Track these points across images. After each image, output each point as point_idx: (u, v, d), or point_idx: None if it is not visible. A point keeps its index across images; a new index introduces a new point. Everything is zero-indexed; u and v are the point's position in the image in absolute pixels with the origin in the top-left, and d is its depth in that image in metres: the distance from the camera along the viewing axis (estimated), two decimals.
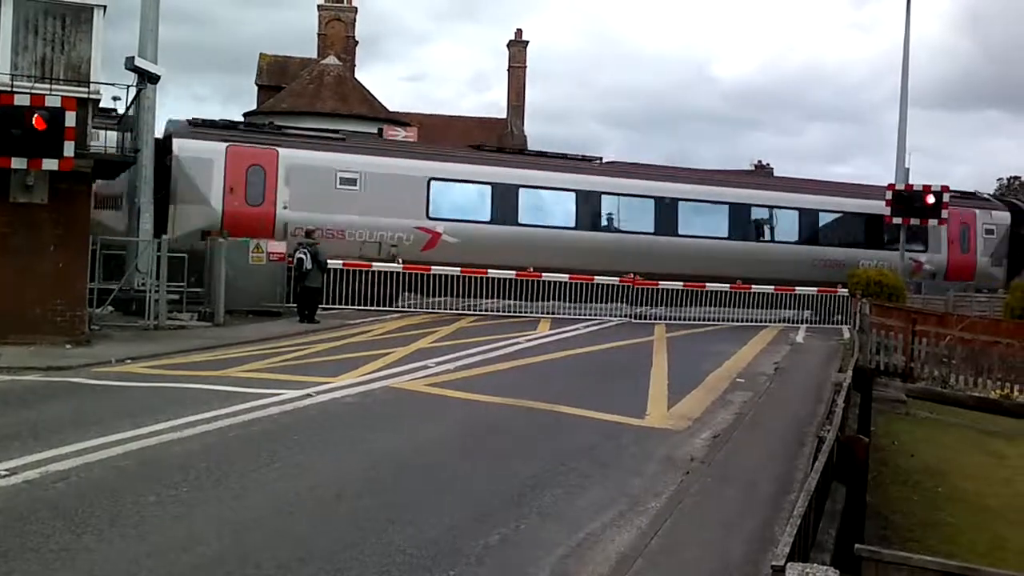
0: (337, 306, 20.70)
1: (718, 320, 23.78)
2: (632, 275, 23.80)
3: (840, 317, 24.75)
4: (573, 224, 24.42)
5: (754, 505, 7.55)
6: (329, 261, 19.97)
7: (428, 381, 12.25)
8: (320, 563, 5.70)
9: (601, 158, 27.31)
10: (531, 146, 43.67)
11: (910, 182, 28.17)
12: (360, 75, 43.75)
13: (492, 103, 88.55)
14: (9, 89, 13.84)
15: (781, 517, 6.80)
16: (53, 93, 13.97)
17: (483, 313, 21.91)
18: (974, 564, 6.54)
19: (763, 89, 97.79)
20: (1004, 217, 30.20)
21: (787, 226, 27.15)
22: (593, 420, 10.45)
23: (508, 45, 48.12)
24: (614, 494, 7.58)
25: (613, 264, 23.69)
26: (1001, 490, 11.97)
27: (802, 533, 4.36)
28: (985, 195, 32.33)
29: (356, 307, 20.91)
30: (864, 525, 8.81)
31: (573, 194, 24.46)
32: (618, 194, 25.02)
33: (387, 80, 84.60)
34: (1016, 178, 63.63)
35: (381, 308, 21.16)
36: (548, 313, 22.33)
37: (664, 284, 23.67)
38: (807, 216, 27.34)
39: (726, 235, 26.00)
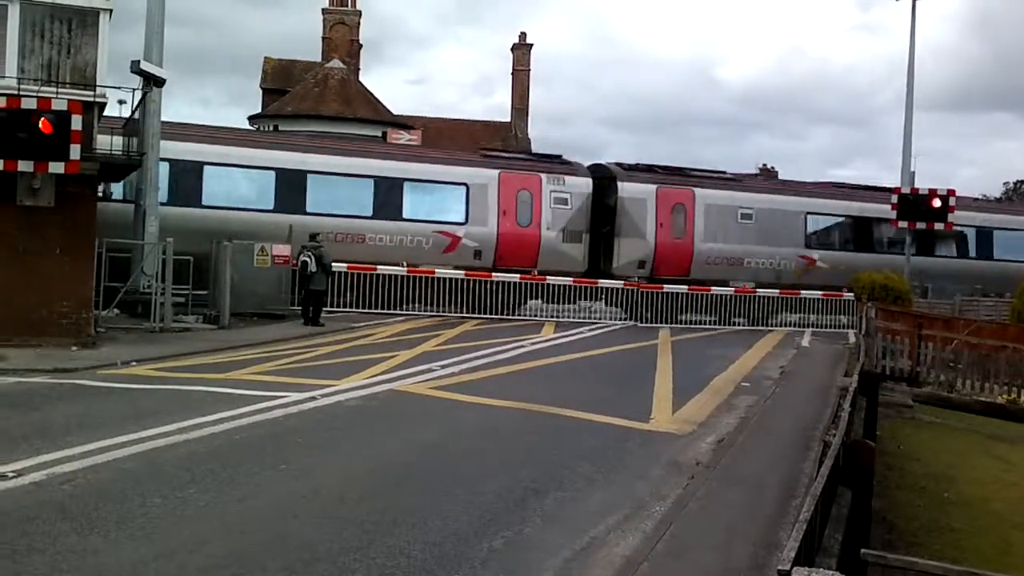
0: (342, 309, 20.74)
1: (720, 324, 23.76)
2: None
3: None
4: None
5: (759, 509, 7.54)
6: (334, 264, 20.00)
7: (433, 384, 12.25)
8: (325, 565, 5.70)
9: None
10: (534, 149, 43.75)
11: (917, 185, 28.10)
12: (364, 79, 43.87)
13: (496, 106, 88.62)
14: (16, 92, 13.90)
15: (787, 521, 6.79)
16: (59, 96, 14.03)
17: (487, 317, 21.92)
18: (980, 569, 6.54)
19: (768, 92, 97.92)
20: (582, 184, 25.11)
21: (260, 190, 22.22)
22: (597, 424, 10.44)
23: (512, 48, 48.17)
24: (619, 498, 7.57)
25: None
26: (1007, 495, 11.94)
27: (808, 537, 4.35)
28: (567, 160, 26.80)
29: (361, 310, 20.96)
30: (870, 530, 8.79)
31: None
32: None
33: (391, 84, 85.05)
34: (1022, 182, 63.40)
35: (386, 311, 21.18)
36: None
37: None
38: (287, 177, 22.15)
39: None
